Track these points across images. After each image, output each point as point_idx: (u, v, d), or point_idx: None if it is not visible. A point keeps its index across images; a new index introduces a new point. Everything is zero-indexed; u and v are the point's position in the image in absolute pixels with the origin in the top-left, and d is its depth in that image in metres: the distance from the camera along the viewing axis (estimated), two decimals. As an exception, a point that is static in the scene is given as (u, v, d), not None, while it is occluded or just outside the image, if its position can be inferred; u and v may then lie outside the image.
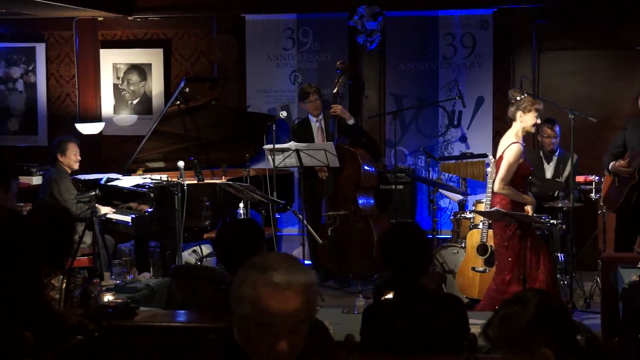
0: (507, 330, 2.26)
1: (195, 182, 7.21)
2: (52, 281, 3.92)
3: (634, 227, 6.74)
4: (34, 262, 3.37)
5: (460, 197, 7.55)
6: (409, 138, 8.31)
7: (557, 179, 7.15)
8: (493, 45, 8.11)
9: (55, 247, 4.01)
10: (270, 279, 2.02)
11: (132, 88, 9.07)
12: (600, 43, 8.12)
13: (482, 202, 6.81)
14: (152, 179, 7.26)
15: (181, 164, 6.79)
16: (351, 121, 7.77)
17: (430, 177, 7.70)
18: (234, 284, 2.09)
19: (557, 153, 7.38)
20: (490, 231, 6.53)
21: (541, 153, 7.48)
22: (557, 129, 7.31)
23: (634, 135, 6.48)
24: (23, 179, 8.32)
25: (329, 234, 7.47)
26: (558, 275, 6.80)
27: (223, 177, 7.55)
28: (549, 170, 7.39)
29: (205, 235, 7.23)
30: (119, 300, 4.19)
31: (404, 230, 3.69)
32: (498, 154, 6.04)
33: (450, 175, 8.01)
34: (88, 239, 6.80)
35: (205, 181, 7.33)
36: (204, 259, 7.36)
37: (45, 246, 3.69)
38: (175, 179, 6.88)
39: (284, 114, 7.46)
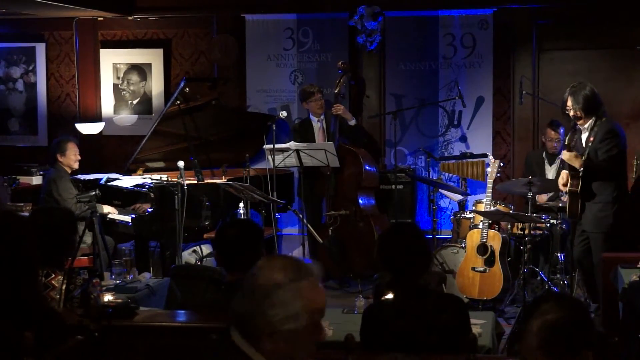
0: (553, 336, 2.26)
1: (195, 182, 7.21)
2: (52, 281, 3.93)
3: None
4: (33, 262, 3.37)
5: (460, 197, 7.55)
6: (409, 138, 8.31)
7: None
8: (493, 45, 8.10)
9: (56, 247, 4.01)
10: (314, 279, 2.13)
11: (132, 88, 9.07)
12: (600, 43, 8.12)
13: (482, 202, 6.82)
14: (152, 179, 7.27)
15: (181, 164, 6.78)
16: (352, 122, 7.77)
17: (430, 177, 7.71)
18: (273, 309, 2.09)
19: (560, 155, 7.35)
20: (491, 231, 6.54)
21: (544, 154, 7.47)
22: (561, 131, 7.30)
23: (578, 139, 6.34)
24: (23, 179, 8.34)
25: (330, 233, 7.47)
26: (558, 275, 6.81)
27: (223, 177, 7.54)
28: (551, 172, 7.38)
29: (205, 235, 7.23)
30: (119, 300, 4.19)
31: (401, 230, 3.68)
32: None
33: (450, 175, 8.01)
34: (88, 239, 6.80)
35: (205, 181, 7.32)
36: (204, 259, 7.36)
37: (45, 246, 3.69)
38: (175, 179, 6.88)
39: (284, 114, 7.46)
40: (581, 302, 2.42)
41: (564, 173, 6.22)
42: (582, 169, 5.95)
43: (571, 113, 6.03)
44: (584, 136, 6.11)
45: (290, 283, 2.09)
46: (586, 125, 6.07)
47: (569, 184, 6.10)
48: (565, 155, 6.02)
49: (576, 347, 2.27)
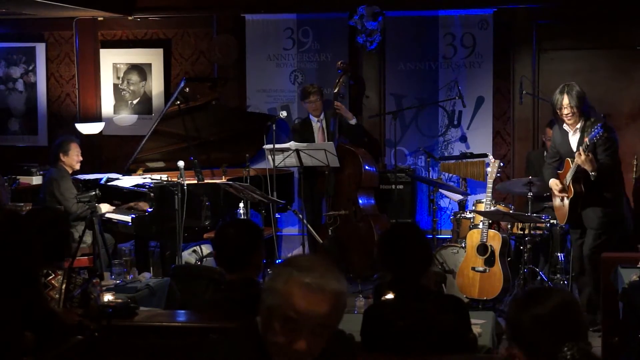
0: (510, 317, 2.33)
1: (195, 182, 7.21)
2: (52, 281, 3.92)
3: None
4: (33, 262, 3.37)
5: (460, 197, 7.55)
6: (409, 138, 8.31)
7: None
8: (493, 45, 8.10)
9: (54, 247, 4.01)
10: (304, 279, 2.08)
11: (132, 88, 9.07)
12: (600, 43, 8.12)
13: (482, 202, 6.82)
14: (152, 179, 7.26)
15: (181, 164, 6.78)
16: (353, 121, 7.78)
17: (430, 177, 7.70)
18: (269, 275, 2.16)
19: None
20: (491, 231, 6.54)
21: (545, 153, 7.46)
22: None
23: (562, 144, 6.30)
24: (23, 179, 8.35)
25: (330, 233, 7.47)
26: (558, 275, 6.81)
27: (223, 177, 7.54)
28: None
29: (205, 235, 7.22)
30: (119, 300, 4.18)
31: (401, 230, 3.68)
32: None
33: (450, 175, 8.01)
34: (88, 238, 6.80)
35: (205, 181, 7.32)
36: (204, 259, 7.36)
37: (44, 246, 3.69)
38: (175, 179, 6.88)
39: (284, 114, 7.46)
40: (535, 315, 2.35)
41: (555, 182, 6.17)
42: (593, 172, 5.87)
43: (566, 112, 5.97)
44: (574, 138, 6.07)
45: (293, 268, 2.11)
46: (577, 126, 6.03)
47: (571, 189, 6.04)
48: (579, 159, 5.87)
49: (511, 338, 2.32)
